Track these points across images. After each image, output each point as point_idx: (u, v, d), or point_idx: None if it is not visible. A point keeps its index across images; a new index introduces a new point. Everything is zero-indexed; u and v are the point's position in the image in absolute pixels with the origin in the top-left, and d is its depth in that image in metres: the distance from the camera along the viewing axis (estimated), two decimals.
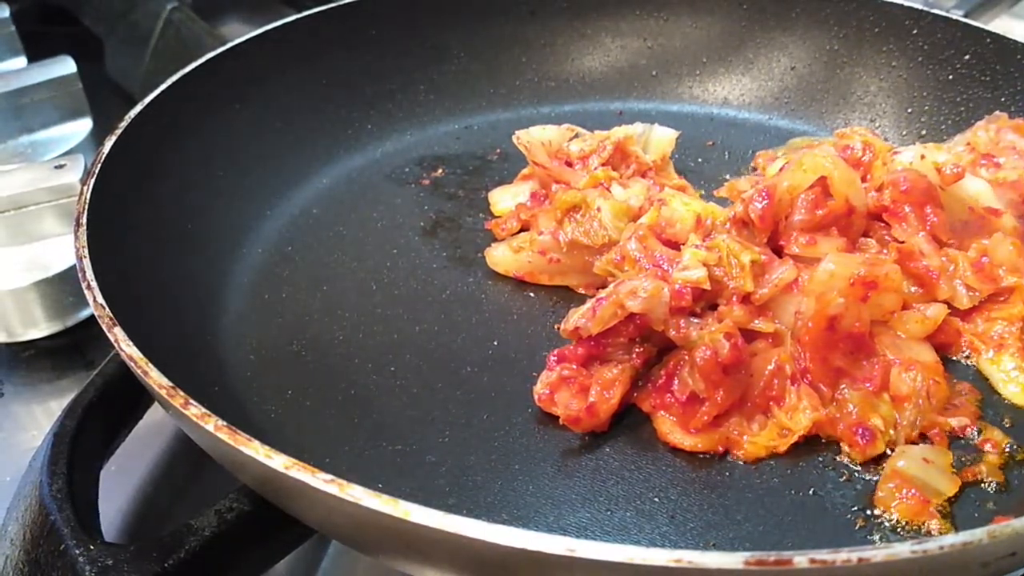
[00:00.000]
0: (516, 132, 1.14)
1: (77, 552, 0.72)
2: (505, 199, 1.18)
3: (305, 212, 1.18)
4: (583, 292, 1.04)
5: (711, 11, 1.39)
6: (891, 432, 0.87)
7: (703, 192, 1.18)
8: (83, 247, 0.85)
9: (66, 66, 1.43)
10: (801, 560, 0.56)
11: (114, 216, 0.94)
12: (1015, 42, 1.20)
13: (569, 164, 1.13)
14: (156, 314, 0.91)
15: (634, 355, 0.90)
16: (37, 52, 1.53)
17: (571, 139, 1.15)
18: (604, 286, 0.94)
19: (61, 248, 1.14)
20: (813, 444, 0.87)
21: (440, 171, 1.26)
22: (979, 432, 0.88)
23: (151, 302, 0.92)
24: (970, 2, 1.50)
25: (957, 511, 0.81)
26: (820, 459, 0.86)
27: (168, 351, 0.81)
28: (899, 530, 0.80)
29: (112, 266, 0.86)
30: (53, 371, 1.12)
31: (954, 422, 0.88)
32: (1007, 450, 0.86)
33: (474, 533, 0.59)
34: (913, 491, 0.81)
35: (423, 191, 1.22)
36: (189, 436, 0.77)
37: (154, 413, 0.95)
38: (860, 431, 0.86)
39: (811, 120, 1.34)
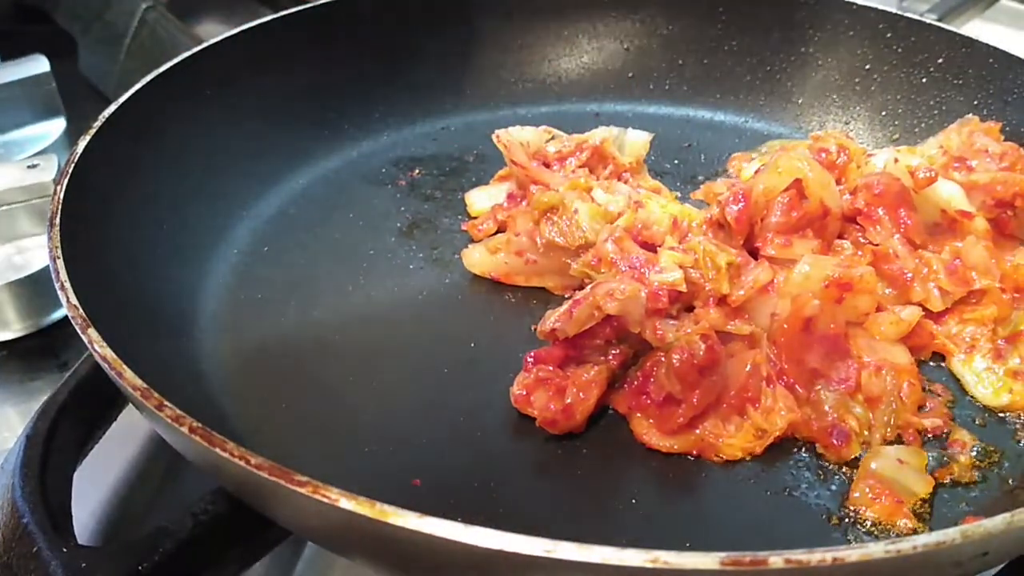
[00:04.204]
0: (496, 131, 1.14)
1: (50, 555, 0.71)
2: (482, 200, 1.18)
3: (281, 212, 1.17)
4: (560, 294, 1.04)
5: (687, 14, 1.39)
6: (865, 433, 0.87)
7: (679, 194, 1.18)
8: (57, 247, 0.85)
9: (39, 65, 1.42)
10: (776, 560, 0.57)
11: (88, 216, 0.94)
12: (987, 46, 1.21)
13: (547, 165, 1.13)
14: (130, 315, 0.91)
15: (610, 357, 0.90)
16: (10, 51, 1.51)
17: (548, 141, 1.15)
18: (581, 288, 0.94)
19: (34, 248, 1.13)
20: (788, 445, 0.88)
21: (417, 172, 1.26)
22: (950, 433, 0.89)
23: (126, 303, 0.92)
24: (943, 6, 1.52)
25: (931, 511, 0.82)
26: (795, 460, 0.87)
27: (142, 352, 0.81)
28: (874, 530, 0.80)
29: (86, 266, 0.85)
30: (26, 372, 1.11)
31: (927, 423, 0.89)
32: (978, 451, 0.87)
33: (451, 535, 0.59)
34: (887, 492, 0.82)
35: (400, 192, 1.22)
36: (164, 438, 0.76)
37: (128, 415, 0.95)
38: (835, 432, 0.86)
39: (786, 123, 1.35)
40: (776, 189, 0.96)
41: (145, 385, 0.71)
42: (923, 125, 1.26)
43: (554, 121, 1.21)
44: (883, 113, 1.30)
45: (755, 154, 1.26)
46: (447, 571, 0.66)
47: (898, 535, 0.80)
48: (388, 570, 0.79)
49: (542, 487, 0.84)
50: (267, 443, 0.85)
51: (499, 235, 1.10)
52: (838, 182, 1.04)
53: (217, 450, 0.65)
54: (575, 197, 1.03)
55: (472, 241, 1.12)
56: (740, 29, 1.38)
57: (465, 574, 0.65)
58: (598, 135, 1.15)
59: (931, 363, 0.97)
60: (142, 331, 0.90)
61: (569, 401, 0.87)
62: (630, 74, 1.41)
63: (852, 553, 0.58)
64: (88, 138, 0.99)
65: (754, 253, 0.97)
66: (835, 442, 0.86)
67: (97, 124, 1.01)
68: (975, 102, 1.22)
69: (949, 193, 1.02)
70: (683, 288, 0.90)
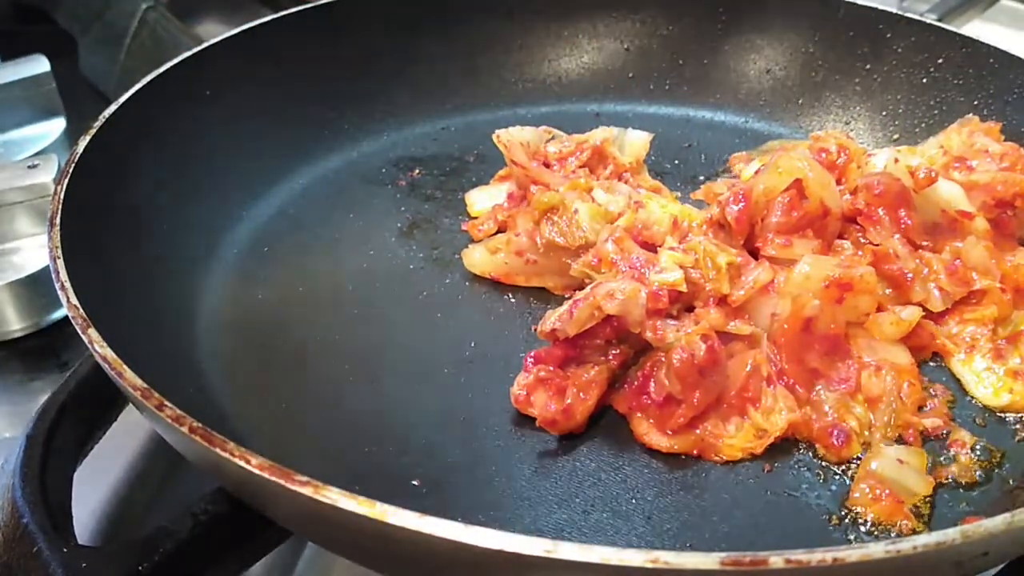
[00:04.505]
0: (496, 131, 1.14)
1: (50, 555, 0.71)
2: (482, 200, 1.18)
3: (281, 213, 1.17)
4: (560, 294, 1.04)
5: (687, 13, 1.39)
6: (866, 433, 0.87)
7: (679, 194, 1.18)
8: (57, 247, 0.85)
9: (39, 65, 1.42)
10: (776, 560, 0.57)
11: (88, 216, 0.94)
12: (987, 46, 1.21)
13: (547, 165, 1.13)
14: (131, 315, 0.90)
15: (611, 357, 0.90)
16: (10, 51, 1.51)
17: (548, 141, 1.15)
18: (581, 288, 0.94)
19: (34, 248, 1.13)
20: (789, 445, 0.88)
21: (417, 172, 1.26)
22: (950, 433, 0.89)
23: (125, 303, 0.92)
24: (943, 6, 1.52)
25: (931, 511, 0.82)
26: (796, 460, 0.87)
27: (143, 352, 0.81)
28: (874, 530, 0.80)
29: (86, 266, 0.85)
30: (26, 372, 1.11)
31: (927, 423, 0.89)
32: (979, 451, 0.87)
33: (451, 535, 0.59)
34: (887, 492, 0.82)
35: (400, 192, 1.22)
36: (164, 438, 0.76)
37: (128, 415, 0.95)
38: (835, 432, 0.86)
39: (787, 123, 1.35)
40: (776, 189, 0.96)
41: (145, 385, 0.71)
42: (923, 125, 1.26)
43: (554, 121, 1.20)
44: (883, 113, 1.30)
45: (755, 154, 1.26)
46: (447, 571, 0.66)
47: (898, 535, 0.80)
48: (388, 570, 0.79)
49: (542, 487, 0.84)
50: (267, 443, 0.85)
51: (499, 235, 1.10)
52: (838, 182, 1.04)
53: (217, 450, 0.65)
54: (575, 197, 1.03)
55: (472, 241, 1.12)
56: (740, 29, 1.38)
57: (465, 574, 0.65)
58: (598, 135, 1.15)
59: (931, 363, 0.97)
60: (142, 331, 0.90)
61: (569, 401, 0.87)
62: (630, 74, 1.41)
63: (852, 553, 0.58)
64: (88, 138, 0.99)
65: (754, 253, 0.97)
66: (835, 442, 0.86)
67: (97, 124, 1.01)
68: (975, 102, 1.22)
69: (949, 193, 1.02)
70: (683, 288, 0.90)
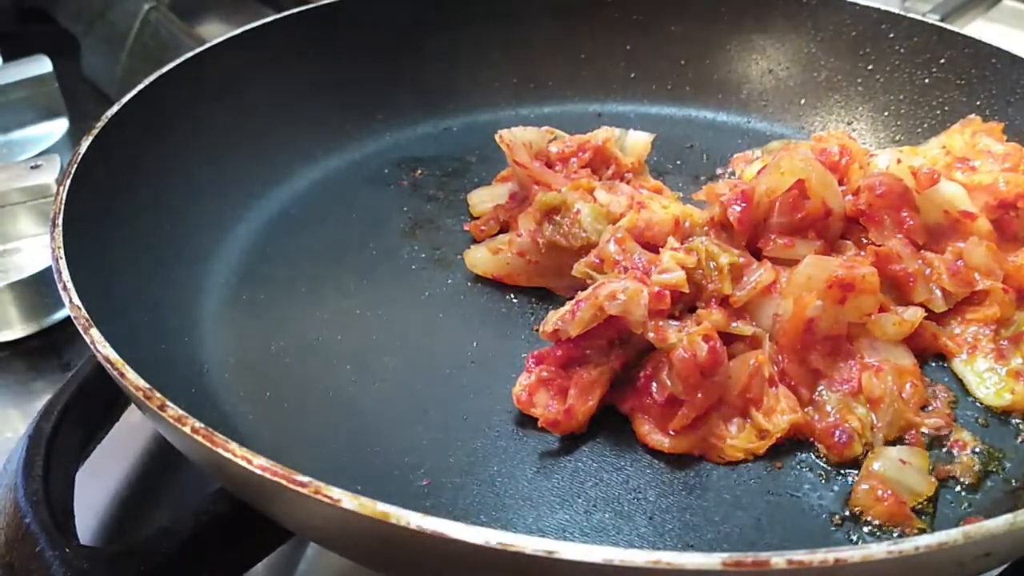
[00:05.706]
0: (499, 131, 1.13)
1: (52, 555, 0.71)
2: (484, 200, 1.18)
3: (283, 213, 1.17)
4: (562, 294, 1.04)
5: (689, 13, 1.39)
6: (868, 434, 0.87)
7: (681, 195, 1.18)
8: (59, 248, 0.85)
9: (42, 65, 1.42)
10: (779, 561, 0.57)
11: (91, 217, 0.94)
12: (990, 46, 1.21)
13: (549, 166, 1.13)
14: (133, 315, 0.91)
15: (613, 357, 0.90)
16: (12, 51, 1.52)
17: (550, 141, 1.15)
18: (583, 288, 0.94)
19: (37, 249, 1.13)
20: (791, 446, 0.88)
21: (419, 172, 1.26)
22: (952, 433, 0.89)
23: (128, 303, 0.92)
24: (946, 6, 1.52)
25: (933, 512, 0.82)
26: (798, 461, 0.87)
27: (145, 353, 0.81)
28: (876, 531, 0.80)
29: (88, 267, 0.85)
30: (28, 373, 1.11)
31: (929, 423, 0.89)
32: (981, 451, 0.87)
33: (453, 535, 0.59)
34: (889, 492, 0.81)
35: (402, 192, 1.22)
36: (166, 438, 0.76)
37: (131, 415, 0.95)
38: (837, 433, 0.86)
39: (789, 123, 1.35)
40: (778, 189, 0.96)
41: (147, 385, 0.71)
42: (925, 125, 1.26)
43: (556, 121, 1.20)
44: (885, 113, 1.30)
45: (757, 154, 1.26)
46: (448, 572, 0.66)
47: (901, 536, 0.80)
48: (390, 570, 0.79)
49: (544, 487, 0.84)
50: (269, 443, 0.85)
51: (501, 235, 1.10)
52: (840, 183, 1.03)
53: (219, 450, 0.65)
54: (577, 197, 1.03)
55: (474, 241, 1.12)
56: (742, 29, 1.38)
57: (467, 574, 0.65)
58: (600, 135, 1.15)
59: (933, 363, 0.97)
60: (144, 331, 0.91)
61: (571, 402, 0.87)
62: (632, 74, 1.41)
63: (854, 554, 0.58)
64: (90, 138, 0.99)
65: (756, 254, 0.97)
66: (838, 443, 0.86)
67: (99, 124, 1.02)
68: (977, 102, 1.22)
69: (952, 194, 1.02)
70: (685, 289, 0.90)
